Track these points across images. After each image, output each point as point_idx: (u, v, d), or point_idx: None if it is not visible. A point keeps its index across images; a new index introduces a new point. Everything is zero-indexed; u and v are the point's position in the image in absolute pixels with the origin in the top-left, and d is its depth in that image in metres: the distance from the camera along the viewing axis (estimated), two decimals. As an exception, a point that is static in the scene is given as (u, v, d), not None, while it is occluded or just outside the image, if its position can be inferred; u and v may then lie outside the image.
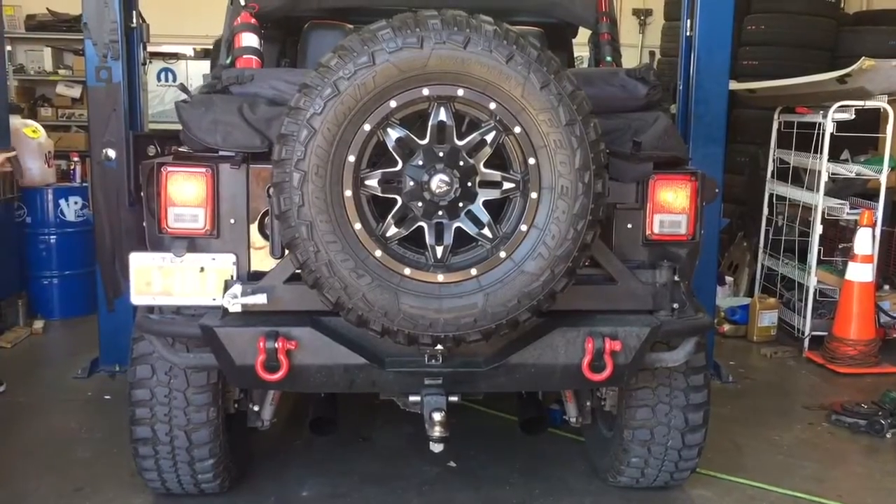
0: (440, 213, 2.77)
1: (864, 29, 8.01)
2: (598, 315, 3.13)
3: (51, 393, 5.01)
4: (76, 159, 6.90)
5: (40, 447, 4.25)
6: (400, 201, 2.77)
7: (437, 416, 3.01)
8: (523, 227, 2.76)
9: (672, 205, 3.19)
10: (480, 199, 2.79)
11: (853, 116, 5.82)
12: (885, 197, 5.94)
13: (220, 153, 3.06)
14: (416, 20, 2.61)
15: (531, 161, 2.72)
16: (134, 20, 4.83)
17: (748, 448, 4.43)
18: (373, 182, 2.75)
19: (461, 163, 2.74)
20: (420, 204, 2.75)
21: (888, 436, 4.59)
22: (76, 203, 6.43)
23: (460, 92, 2.67)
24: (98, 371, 5.11)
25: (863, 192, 6.23)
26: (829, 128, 5.80)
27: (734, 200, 7.38)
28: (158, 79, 9.56)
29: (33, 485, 3.86)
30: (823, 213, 5.98)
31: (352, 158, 2.67)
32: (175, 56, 9.67)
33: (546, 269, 2.75)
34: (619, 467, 3.73)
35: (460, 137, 2.75)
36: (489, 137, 2.74)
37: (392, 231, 2.78)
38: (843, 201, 6.05)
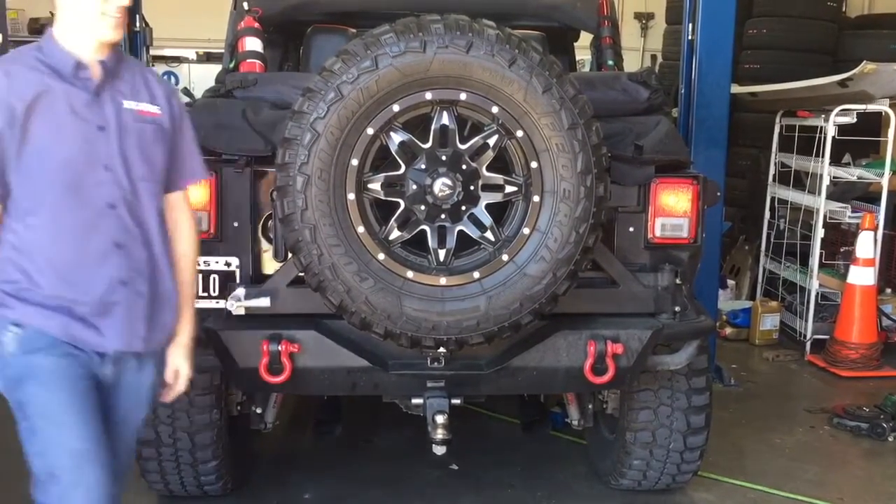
0: (443, 216, 2.78)
1: (866, 32, 8.01)
2: (600, 318, 3.13)
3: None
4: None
5: (43, 449, 4.25)
6: (403, 205, 2.77)
7: (440, 419, 3.03)
8: (525, 231, 2.77)
9: (674, 208, 3.20)
10: (483, 203, 2.80)
11: (855, 120, 5.81)
12: (887, 200, 5.93)
13: (224, 157, 3.07)
14: (418, 25, 2.62)
15: (533, 164, 2.73)
16: (137, 24, 4.85)
17: (750, 451, 4.43)
18: (376, 186, 2.76)
19: (464, 166, 2.75)
20: (423, 207, 2.76)
21: (890, 439, 4.59)
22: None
23: (463, 96, 2.68)
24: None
25: (864, 196, 6.22)
26: (831, 131, 5.79)
27: (736, 204, 7.37)
28: (161, 82, 9.58)
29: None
30: (825, 216, 5.98)
31: (355, 162, 2.68)
32: (178, 59, 9.70)
33: (548, 273, 2.76)
34: (621, 470, 3.73)
35: (463, 141, 2.76)
36: (491, 141, 2.76)
37: (395, 234, 2.79)
38: (844, 205, 6.03)
